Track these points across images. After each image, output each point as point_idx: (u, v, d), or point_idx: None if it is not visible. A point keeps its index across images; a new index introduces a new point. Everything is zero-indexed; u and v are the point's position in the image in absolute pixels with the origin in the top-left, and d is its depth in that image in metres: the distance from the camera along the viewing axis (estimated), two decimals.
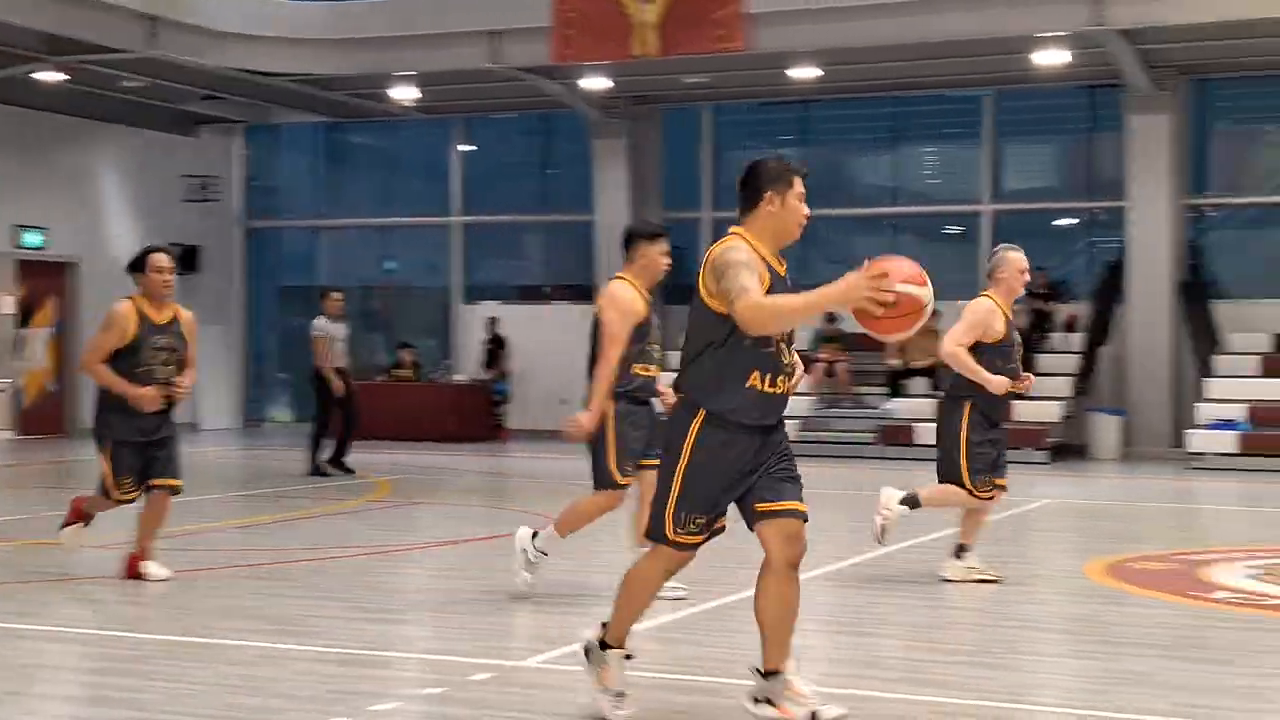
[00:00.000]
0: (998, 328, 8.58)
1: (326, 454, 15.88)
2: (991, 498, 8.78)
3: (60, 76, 20.58)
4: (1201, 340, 19.61)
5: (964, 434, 8.61)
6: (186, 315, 8.86)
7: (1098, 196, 21.20)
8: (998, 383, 8.47)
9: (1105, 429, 19.44)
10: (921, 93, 22.05)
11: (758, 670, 5.44)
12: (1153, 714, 5.82)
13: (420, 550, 10.93)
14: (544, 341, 22.40)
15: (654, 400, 8.09)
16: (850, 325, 21.71)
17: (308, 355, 15.98)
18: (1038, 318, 20.07)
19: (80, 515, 9.04)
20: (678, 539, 5.36)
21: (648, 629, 7.44)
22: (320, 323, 15.70)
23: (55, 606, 8.19)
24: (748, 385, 5.21)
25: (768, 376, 5.24)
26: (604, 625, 5.62)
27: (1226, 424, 18.09)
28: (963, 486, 8.66)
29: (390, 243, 26.08)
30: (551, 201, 24.59)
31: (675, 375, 5.43)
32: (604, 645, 5.58)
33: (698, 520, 5.32)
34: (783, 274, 5.32)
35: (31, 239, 21.90)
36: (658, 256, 7.98)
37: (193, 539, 10.58)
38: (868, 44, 18.85)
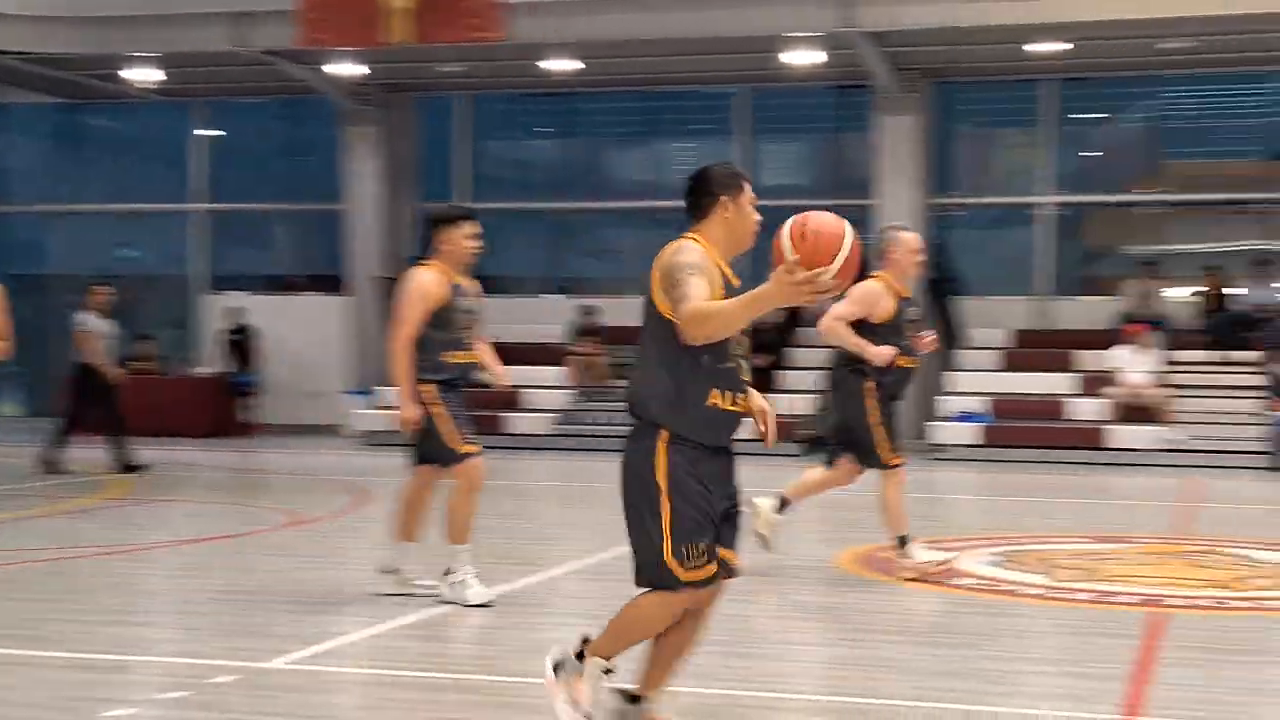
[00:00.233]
0: (885, 306, 8.58)
1: (67, 452, 15.24)
2: (901, 462, 8.85)
3: None
4: (944, 335, 20.22)
5: (870, 412, 8.64)
6: None
7: (848, 194, 21.66)
8: (875, 352, 8.48)
9: None
10: (678, 88, 22.25)
11: (607, 670, 5.00)
12: (901, 699, 5.88)
13: (162, 550, 10.47)
14: (293, 333, 21.85)
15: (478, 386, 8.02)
16: (610, 317, 21.77)
17: (41, 347, 15.24)
18: (791, 313, 20.37)
19: None
20: (692, 578, 4.77)
21: (399, 628, 7.25)
22: (86, 317, 15.15)
23: None
24: (709, 403, 4.79)
25: (728, 394, 4.82)
26: (584, 640, 5.05)
27: (969, 416, 18.68)
28: (880, 464, 8.73)
29: (129, 230, 25.05)
30: (301, 190, 23.97)
31: (627, 394, 4.99)
32: (580, 656, 5.03)
33: (700, 547, 4.78)
34: (736, 285, 4.87)
35: None
36: (462, 240, 7.85)
37: None
38: (624, 37, 18.92)
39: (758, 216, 4.97)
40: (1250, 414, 17.80)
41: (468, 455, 7.79)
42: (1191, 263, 20.84)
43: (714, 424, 4.81)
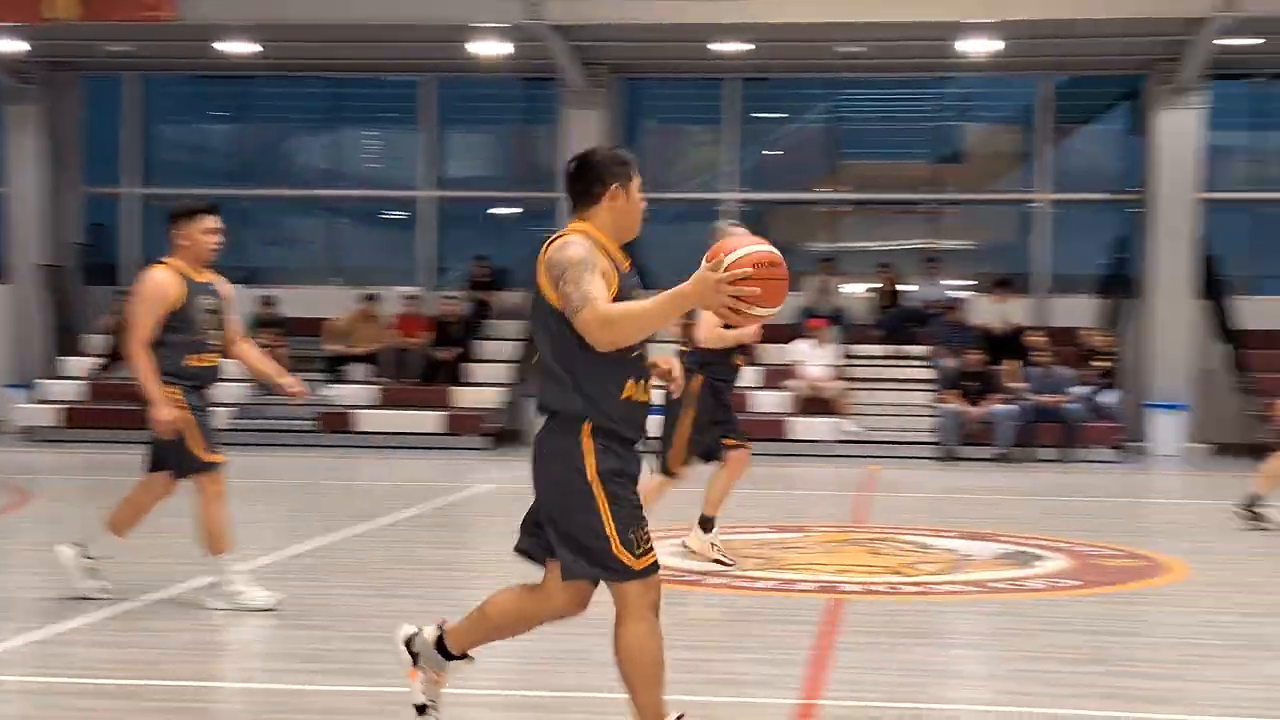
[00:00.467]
0: None
1: None
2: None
3: None
4: None
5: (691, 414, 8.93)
6: None
7: (536, 187, 21.63)
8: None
9: None
10: (361, 75, 21.82)
11: (441, 635, 5.02)
12: (594, 690, 5.88)
13: None
14: None
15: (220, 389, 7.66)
16: (290, 308, 21.20)
17: None
18: (479, 306, 20.26)
19: None
20: (643, 563, 4.60)
21: (64, 632, 6.84)
22: None
23: None
24: (624, 396, 4.58)
25: (640, 383, 4.64)
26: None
27: None
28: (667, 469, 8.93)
29: None
30: None
31: (538, 394, 4.69)
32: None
33: (643, 532, 4.61)
34: (627, 269, 4.68)
35: None
36: (201, 235, 7.52)
37: None
38: (303, 21, 18.45)
39: (644, 203, 4.78)
40: (921, 406, 18.55)
41: (212, 465, 7.42)
42: (867, 260, 21.60)
43: (632, 416, 4.64)
